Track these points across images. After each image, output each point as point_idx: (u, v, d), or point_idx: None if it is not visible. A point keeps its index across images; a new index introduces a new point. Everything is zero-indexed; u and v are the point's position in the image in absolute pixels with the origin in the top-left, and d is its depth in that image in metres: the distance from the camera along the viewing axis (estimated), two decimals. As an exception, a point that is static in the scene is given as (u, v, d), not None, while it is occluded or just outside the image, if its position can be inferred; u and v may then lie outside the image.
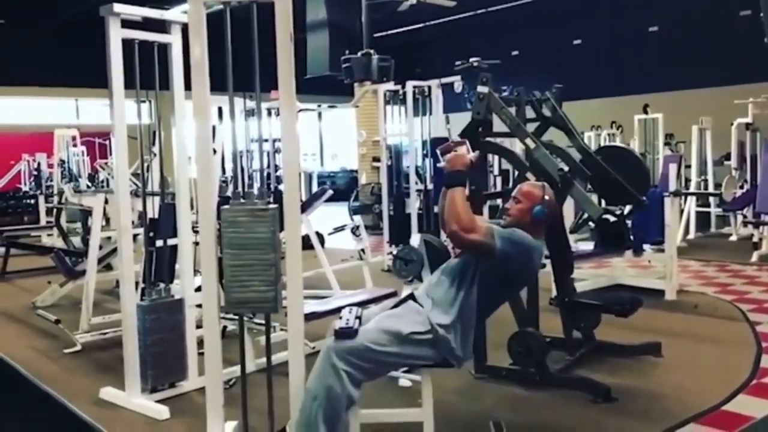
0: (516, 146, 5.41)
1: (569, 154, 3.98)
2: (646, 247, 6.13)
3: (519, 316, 3.79)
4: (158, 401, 3.56)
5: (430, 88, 7.31)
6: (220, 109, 6.03)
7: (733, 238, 9.07)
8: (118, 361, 3.80)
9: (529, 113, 4.16)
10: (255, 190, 2.66)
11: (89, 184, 11.11)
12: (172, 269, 4.23)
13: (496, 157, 9.86)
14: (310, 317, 3.45)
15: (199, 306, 3.19)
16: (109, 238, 6.34)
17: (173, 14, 3.68)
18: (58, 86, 15.05)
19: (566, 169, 3.68)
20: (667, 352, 4.14)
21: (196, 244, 3.49)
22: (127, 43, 3.46)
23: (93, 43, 4.24)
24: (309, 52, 12.03)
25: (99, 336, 4.79)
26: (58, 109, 16.05)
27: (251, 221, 2.56)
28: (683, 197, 8.35)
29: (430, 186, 7.12)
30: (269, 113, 6.79)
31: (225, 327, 4.16)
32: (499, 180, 10.86)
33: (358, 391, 2.56)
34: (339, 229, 7.01)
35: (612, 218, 3.80)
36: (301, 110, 7.20)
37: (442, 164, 2.88)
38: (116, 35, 3.39)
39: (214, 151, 5.30)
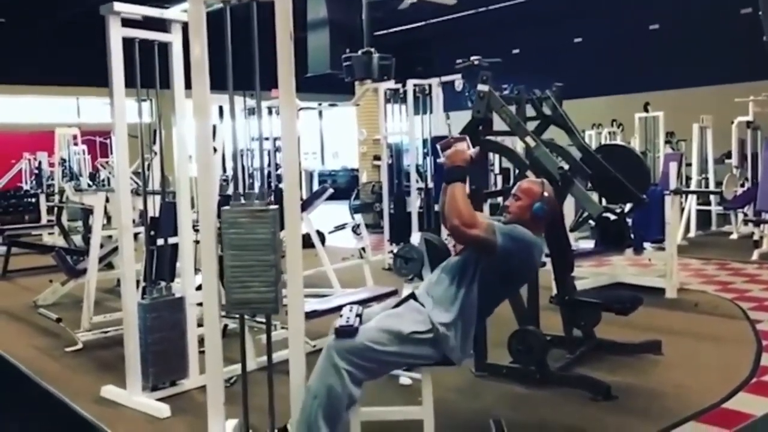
0: (516, 145, 5.42)
1: (569, 152, 3.99)
2: (646, 245, 6.13)
3: (519, 315, 3.79)
4: (159, 399, 3.57)
5: (430, 86, 7.31)
6: (220, 108, 6.03)
7: (734, 236, 9.07)
8: (119, 360, 3.81)
9: (530, 112, 4.16)
10: (255, 190, 2.66)
11: (90, 182, 11.13)
12: (173, 268, 4.23)
13: (497, 156, 9.87)
14: (310, 316, 3.46)
15: (200, 304, 3.19)
16: (110, 236, 6.34)
17: (173, 13, 3.68)
18: (58, 85, 15.07)
19: (566, 167, 3.68)
20: (668, 350, 4.14)
21: (197, 242, 3.50)
22: (127, 42, 3.46)
23: (93, 42, 4.25)
24: (310, 51, 12.03)
25: (100, 334, 4.79)
26: (59, 107, 16.06)
27: (251, 222, 2.56)
28: (684, 195, 8.35)
29: (430, 184, 7.12)
30: (270, 112, 6.78)
31: (226, 325, 4.17)
32: (499, 178, 10.87)
33: (359, 390, 2.56)
34: (340, 227, 7.01)
35: (612, 216, 3.80)
36: (301, 109, 7.20)
37: (442, 160, 2.89)
38: (117, 34, 3.39)
39: (215, 150, 5.30)
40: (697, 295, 5.77)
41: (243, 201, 2.62)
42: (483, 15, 14.12)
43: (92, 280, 5.11)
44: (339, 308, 2.94)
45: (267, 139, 6.90)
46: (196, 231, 3.43)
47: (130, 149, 3.58)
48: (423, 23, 14.66)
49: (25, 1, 13.22)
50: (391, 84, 8.00)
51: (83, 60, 9.04)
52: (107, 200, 5.79)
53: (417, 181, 7.54)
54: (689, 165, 9.81)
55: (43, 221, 10.76)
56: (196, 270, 3.67)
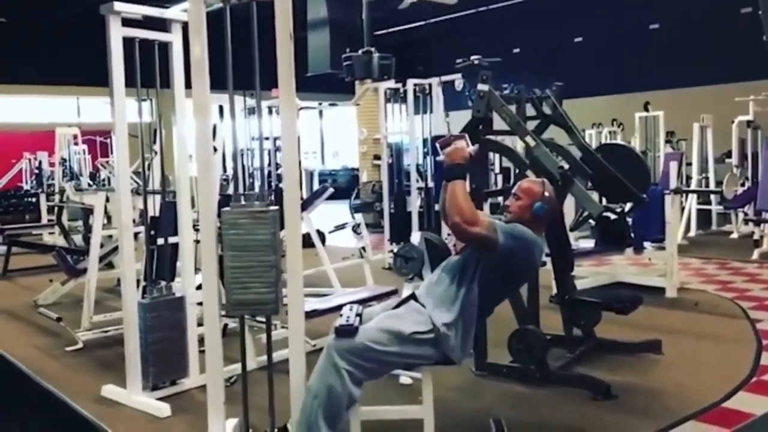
0: (517, 144, 5.42)
1: (570, 152, 3.99)
2: (646, 244, 6.13)
3: (519, 314, 3.79)
4: (159, 399, 3.57)
5: (430, 86, 7.31)
6: (220, 108, 6.03)
7: (734, 235, 9.07)
8: (119, 359, 3.81)
9: (530, 111, 4.16)
10: (256, 190, 2.66)
11: (90, 182, 11.14)
12: (173, 267, 4.23)
13: (497, 155, 9.87)
14: (310, 315, 3.46)
15: (200, 304, 3.20)
16: (110, 236, 6.35)
17: (173, 13, 3.68)
18: (59, 85, 15.07)
19: (567, 167, 3.68)
20: (668, 349, 4.14)
21: (197, 242, 3.50)
22: (127, 42, 3.46)
23: (94, 42, 4.25)
24: (310, 50, 12.04)
25: (100, 334, 4.80)
26: (59, 107, 16.07)
27: (252, 223, 2.57)
28: (684, 195, 8.35)
29: (430, 184, 7.12)
30: (270, 111, 6.79)
31: (226, 325, 4.17)
32: (500, 178, 10.88)
33: (359, 390, 2.56)
34: (340, 227, 7.01)
35: (612, 216, 3.80)
36: (301, 108, 7.20)
37: (441, 158, 2.89)
38: (117, 34, 3.40)
39: (215, 150, 5.30)
40: (698, 295, 5.77)
41: (243, 202, 2.62)
42: (483, 14, 14.12)
43: (92, 280, 5.11)
44: (339, 308, 2.94)
45: (267, 138, 6.91)
46: (197, 230, 3.43)
47: (131, 149, 3.58)
48: (423, 23, 14.64)
49: (25, 1, 13.22)
50: (391, 83, 8.00)
51: (83, 60, 9.04)
52: (107, 200, 5.80)
53: (417, 181, 7.54)
54: (689, 164, 9.81)
55: (44, 221, 10.76)
56: (197, 269, 3.67)
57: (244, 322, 2.88)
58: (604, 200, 4.74)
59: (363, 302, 3.55)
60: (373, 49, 10.55)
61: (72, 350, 4.64)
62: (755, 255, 7.44)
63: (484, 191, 4.05)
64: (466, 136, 2.90)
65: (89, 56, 6.16)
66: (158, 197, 4.21)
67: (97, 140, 13.18)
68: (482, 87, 3.78)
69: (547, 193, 3.00)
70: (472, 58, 4.10)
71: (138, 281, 3.85)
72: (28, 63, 14.23)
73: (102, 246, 5.53)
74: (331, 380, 2.51)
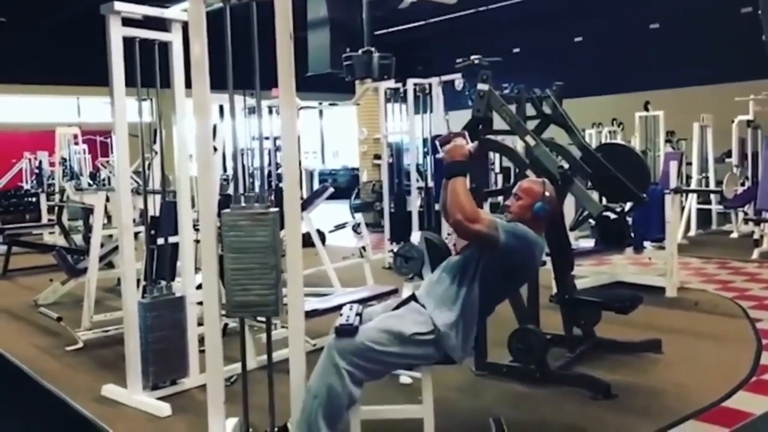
0: (517, 144, 5.42)
1: (570, 151, 3.99)
2: (646, 244, 6.14)
3: (519, 313, 3.80)
4: (159, 398, 3.57)
5: (430, 85, 7.31)
6: (221, 107, 6.04)
7: (734, 235, 9.07)
8: (119, 359, 3.82)
9: (530, 111, 4.16)
10: (255, 191, 2.67)
11: (90, 182, 11.14)
12: (174, 267, 4.24)
13: (497, 155, 9.87)
14: (310, 315, 3.47)
15: (200, 303, 3.20)
16: (110, 236, 6.35)
17: (173, 12, 3.68)
18: (59, 84, 15.07)
19: (566, 166, 3.68)
20: (668, 349, 4.14)
21: (197, 241, 3.50)
22: (127, 42, 3.46)
23: (94, 42, 4.25)
24: (310, 50, 12.04)
25: (101, 333, 4.80)
26: (60, 107, 16.07)
27: (252, 225, 2.57)
28: (684, 194, 8.35)
29: (431, 183, 7.12)
30: (270, 111, 6.79)
31: (226, 324, 4.17)
32: (500, 177, 10.88)
33: (360, 390, 2.56)
34: (340, 226, 7.01)
35: (612, 215, 3.80)
36: (302, 108, 7.21)
37: (441, 155, 2.88)
38: (117, 33, 3.40)
39: (215, 149, 5.31)
40: (698, 294, 5.77)
41: (243, 204, 2.62)
42: (483, 14, 14.12)
43: (93, 279, 5.11)
44: (339, 307, 2.94)
45: (267, 138, 6.91)
46: (197, 230, 3.43)
47: (131, 148, 3.58)
48: (423, 22, 14.65)
49: (25, 1, 13.22)
50: (391, 83, 8.00)
51: (84, 59, 9.04)
52: (108, 199, 5.80)
53: (417, 180, 7.55)
54: (689, 164, 9.81)
55: (44, 220, 10.77)
56: (197, 269, 3.68)
57: (244, 322, 2.88)
58: (604, 200, 4.74)
59: (363, 302, 3.55)
60: (373, 49, 10.55)
61: (72, 350, 4.64)
62: (755, 254, 7.44)
63: (484, 191, 4.05)
64: (466, 133, 2.90)
65: (89, 56, 6.17)
66: (158, 197, 4.21)
67: (98, 140, 13.19)
68: (482, 86, 3.78)
69: (547, 193, 3.00)
70: (472, 57, 4.10)
71: (138, 281, 3.85)
72: (29, 63, 14.24)
73: (102, 246, 5.54)
74: (332, 380, 2.51)
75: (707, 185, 9.64)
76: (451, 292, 2.76)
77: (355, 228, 6.26)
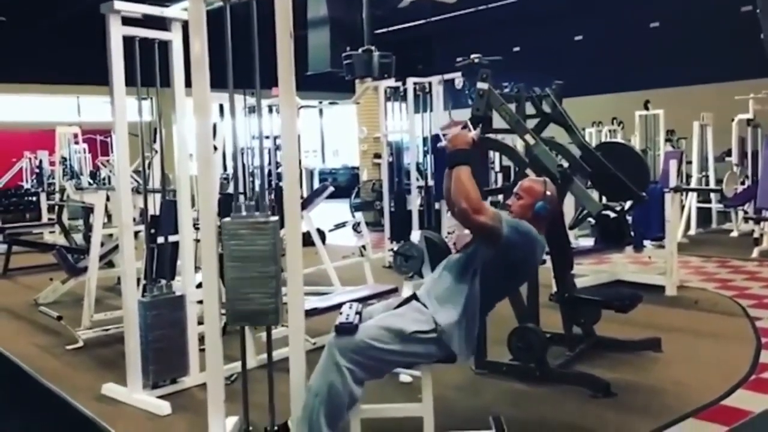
0: (516, 143, 5.42)
1: (569, 150, 3.99)
2: (646, 243, 6.14)
3: (519, 312, 3.80)
4: (160, 397, 3.57)
5: (430, 84, 7.31)
6: (221, 106, 6.03)
7: (734, 234, 9.07)
8: (119, 357, 3.82)
9: (530, 109, 4.16)
10: (256, 197, 2.66)
11: (91, 181, 11.13)
12: (174, 266, 4.24)
13: (497, 154, 9.86)
14: (310, 313, 3.47)
15: (200, 302, 3.20)
16: (110, 235, 6.36)
17: (173, 11, 3.69)
18: (59, 84, 15.08)
19: (566, 165, 3.68)
20: (667, 347, 4.15)
21: (197, 240, 3.51)
22: (127, 41, 3.47)
23: (94, 41, 4.25)
24: (310, 49, 12.04)
25: (101, 332, 4.81)
26: (60, 106, 16.08)
27: (252, 234, 2.58)
28: (684, 193, 8.35)
29: (431, 182, 7.12)
30: (270, 110, 6.79)
31: (226, 323, 4.17)
32: (500, 176, 10.88)
33: (361, 388, 2.56)
34: (340, 225, 7.03)
35: (612, 214, 3.80)
36: (302, 107, 7.20)
37: (443, 144, 2.86)
38: (117, 32, 3.40)
39: (215, 148, 5.31)
40: (697, 293, 5.78)
41: (244, 213, 2.62)
42: (483, 13, 14.12)
43: (93, 278, 5.12)
44: (339, 306, 2.95)
45: (267, 137, 6.91)
46: (197, 229, 3.44)
47: (131, 147, 3.59)
48: (423, 21, 14.65)
49: (25, 0, 13.22)
50: (391, 82, 8.00)
51: (84, 58, 9.04)
52: (108, 199, 5.80)
53: (417, 179, 7.54)
54: (689, 163, 9.81)
55: (44, 220, 10.78)
56: (197, 268, 3.68)
57: (244, 321, 2.88)
58: (603, 198, 4.73)
59: (363, 300, 3.56)
60: (373, 48, 10.55)
61: (72, 348, 4.64)
62: (755, 253, 7.44)
63: (484, 189, 4.05)
64: (468, 121, 2.89)
65: (89, 55, 6.17)
66: (158, 196, 4.22)
67: (98, 139, 13.19)
68: (482, 85, 3.78)
69: (549, 193, 3.00)
70: (472, 56, 4.09)
71: (138, 280, 3.86)
72: (29, 62, 14.23)
73: (102, 245, 5.54)
74: (332, 378, 2.51)
75: (707, 184, 9.64)
76: (452, 290, 2.76)
77: (355, 227, 6.27)
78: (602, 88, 14.00)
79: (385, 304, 3.05)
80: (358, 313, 2.73)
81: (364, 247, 5.87)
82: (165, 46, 3.65)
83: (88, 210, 7.60)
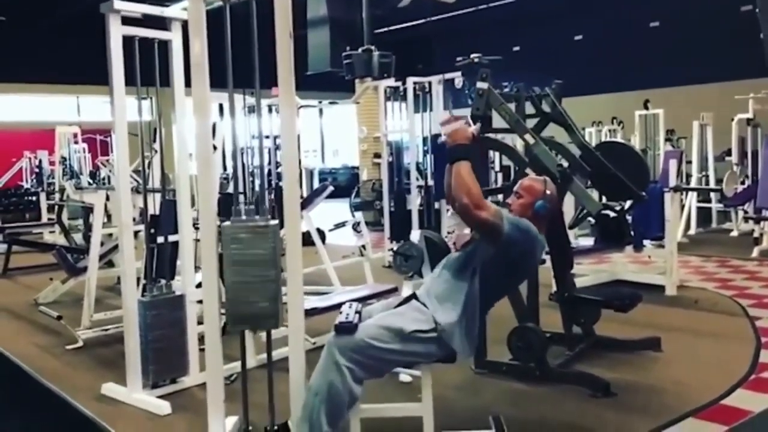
0: (516, 142, 5.41)
1: (569, 150, 3.99)
2: (646, 242, 6.14)
3: (519, 312, 3.80)
4: (159, 397, 3.58)
5: (430, 84, 7.31)
6: (220, 106, 6.03)
7: (734, 233, 9.07)
8: (119, 357, 3.82)
9: (529, 109, 4.16)
10: (255, 198, 2.66)
11: (90, 181, 11.14)
12: (173, 265, 4.24)
13: (497, 154, 9.86)
14: (310, 313, 3.47)
15: (200, 302, 3.20)
16: (110, 234, 6.35)
17: (173, 11, 3.69)
18: (59, 83, 15.08)
19: (566, 164, 3.68)
20: (667, 347, 4.15)
21: (197, 240, 3.51)
22: (127, 40, 3.47)
23: (94, 41, 4.26)
24: (310, 49, 12.04)
25: (100, 332, 4.81)
26: (60, 106, 16.08)
27: (252, 238, 2.58)
28: (684, 193, 8.35)
29: (430, 182, 7.13)
30: (270, 110, 6.79)
31: (226, 323, 4.17)
32: (500, 176, 10.88)
33: (360, 387, 2.56)
34: (340, 225, 7.02)
35: (612, 214, 3.80)
36: (301, 107, 7.21)
37: (443, 139, 2.86)
38: (116, 32, 3.40)
39: (215, 148, 5.30)
40: (697, 292, 5.78)
41: (243, 216, 2.62)
42: (483, 13, 14.12)
43: (93, 278, 5.12)
44: (339, 306, 2.95)
45: (267, 137, 6.91)
46: (196, 229, 3.44)
47: (131, 147, 3.58)
48: (423, 21, 14.64)
49: (25, 0, 13.21)
50: (391, 82, 7.99)
51: (83, 58, 9.05)
52: (107, 198, 5.80)
53: (417, 179, 7.54)
54: (689, 162, 9.81)
55: (44, 219, 10.78)
56: (197, 268, 3.68)
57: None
58: (603, 198, 4.73)
59: (363, 300, 3.56)
60: (373, 47, 10.55)
61: (72, 348, 4.64)
62: (755, 253, 7.44)
63: (484, 189, 4.04)
64: (468, 116, 2.88)
65: (89, 55, 6.17)
66: (158, 195, 4.21)
67: (97, 139, 13.19)
68: (481, 85, 3.78)
69: (549, 192, 3.00)
70: (472, 56, 4.09)
71: (138, 279, 3.86)
72: (28, 62, 14.24)
73: (102, 244, 5.54)
74: (332, 377, 2.51)
75: (707, 183, 9.64)
76: (452, 289, 2.76)
77: (355, 227, 6.26)
78: (602, 88, 14.00)
79: (385, 304, 3.05)
80: (358, 312, 2.73)
81: (363, 246, 5.87)
82: (165, 45, 3.65)
83: (87, 210, 7.59)
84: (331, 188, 6.71)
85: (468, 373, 3.82)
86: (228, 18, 2.69)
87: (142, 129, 3.67)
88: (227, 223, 2.61)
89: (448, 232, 6.76)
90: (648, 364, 3.99)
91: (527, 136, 3.72)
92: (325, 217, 8.10)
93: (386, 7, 12.53)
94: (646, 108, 10.35)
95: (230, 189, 6.66)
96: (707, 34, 12.88)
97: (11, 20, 14.05)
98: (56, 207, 9.42)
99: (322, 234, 6.94)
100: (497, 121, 3.88)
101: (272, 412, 2.75)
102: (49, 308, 5.45)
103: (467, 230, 2.98)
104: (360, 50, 10.55)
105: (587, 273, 6.06)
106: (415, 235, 5.72)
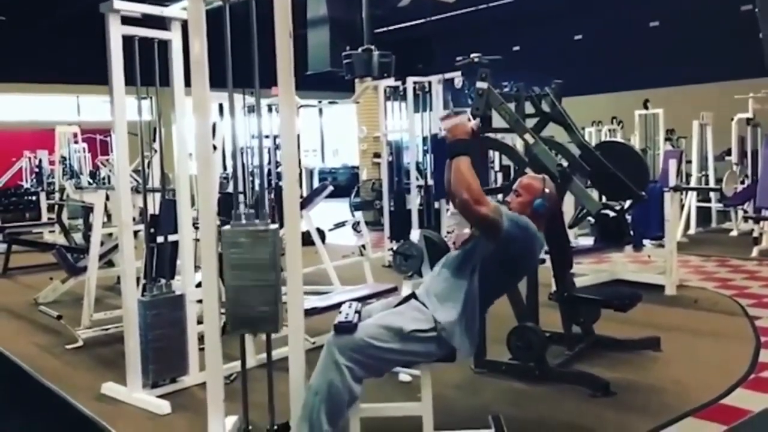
0: (516, 142, 5.42)
1: (569, 149, 3.99)
2: (646, 242, 6.14)
3: (518, 311, 3.80)
4: (159, 396, 3.58)
5: (430, 83, 7.31)
6: (220, 106, 6.03)
7: (734, 233, 9.07)
8: (119, 357, 3.83)
9: (529, 109, 4.16)
10: (256, 202, 2.67)
11: (90, 180, 11.14)
12: (173, 265, 4.24)
13: (497, 153, 9.87)
14: (310, 313, 3.47)
15: (200, 301, 3.21)
16: (110, 234, 6.35)
17: (173, 11, 3.69)
18: (59, 83, 15.09)
19: (566, 164, 3.68)
20: (667, 346, 4.15)
21: (197, 240, 3.51)
22: (127, 40, 3.47)
23: (93, 40, 4.26)
24: (310, 48, 12.04)
25: (100, 332, 4.81)
26: (59, 106, 16.09)
27: (252, 242, 2.58)
28: (684, 192, 8.35)
29: (430, 182, 7.13)
30: (269, 109, 6.79)
31: (225, 323, 4.17)
32: (500, 176, 10.89)
33: (360, 387, 2.57)
34: (340, 225, 7.02)
35: (611, 213, 3.80)
36: (301, 106, 7.21)
37: (443, 134, 2.85)
38: (116, 32, 3.40)
39: (215, 148, 5.30)
40: (697, 292, 5.78)
41: (243, 221, 2.62)
42: (483, 12, 14.13)
43: (92, 278, 5.12)
44: (339, 305, 2.95)
45: (267, 136, 6.91)
46: (196, 228, 3.44)
47: (130, 147, 3.59)
48: (423, 20, 14.65)
49: (25, 0, 13.21)
50: (391, 81, 7.99)
51: (83, 58, 9.05)
52: (107, 198, 5.80)
53: (417, 179, 7.54)
54: (689, 162, 9.82)
55: (44, 219, 10.78)
56: (196, 267, 3.68)
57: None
58: (603, 198, 4.74)
59: (363, 300, 3.56)
60: (373, 47, 10.55)
61: (72, 348, 4.64)
62: (754, 252, 7.44)
63: (483, 189, 4.04)
64: (468, 111, 2.88)
65: (89, 54, 6.17)
66: (158, 195, 4.22)
67: (97, 138, 13.20)
68: (481, 85, 3.78)
69: (547, 190, 3.00)
70: (472, 55, 4.09)
71: (138, 279, 3.86)
72: (28, 61, 14.24)
73: (102, 244, 5.54)
74: (332, 376, 2.52)
75: (707, 183, 9.64)
76: (452, 287, 2.76)
77: (355, 226, 6.26)
78: (602, 88, 14.01)
79: (385, 303, 3.05)
80: (358, 312, 2.73)
81: (363, 246, 5.87)
82: (164, 45, 3.65)
83: (87, 209, 7.60)
84: (330, 188, 6.71)
85: (467, 373, 3.82)
86: (228, 18, 2.69)
87: (142, 129, 3.67)
88: (227, 227, 2.61)
89: (448, 232, 6.76)
90: (647, 363, 3.99)
91: (527, 136, 3.72)
92: (325, 217, 8.10)
93: (386, 7, 12.54)
94: (646, 108, 10.36)
95: (230, 188, 6.66)
96: (707, 34, 12.88)
97: (11, 20, 14.05)
98: (56, 207, 9.42)
99: (322, 234, 6.94)
100: (497, 121, 3.89)
101: (272, 412, 2.75)
102: (49, 308, 5.45)
103: (467, 229, 2.98)
104: (360, 50, 10.55)
105: (587, 272, 6.07)
106: (415, 234, 5.72)
